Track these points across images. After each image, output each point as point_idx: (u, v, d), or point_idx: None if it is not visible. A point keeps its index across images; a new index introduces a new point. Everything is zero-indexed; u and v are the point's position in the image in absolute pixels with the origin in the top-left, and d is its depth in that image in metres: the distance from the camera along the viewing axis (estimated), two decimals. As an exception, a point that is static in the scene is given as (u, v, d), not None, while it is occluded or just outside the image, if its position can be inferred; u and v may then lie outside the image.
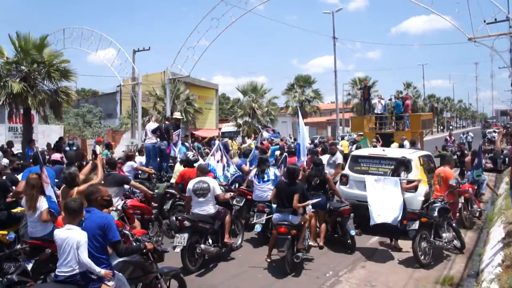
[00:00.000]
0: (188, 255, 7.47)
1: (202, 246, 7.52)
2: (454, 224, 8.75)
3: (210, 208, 7.89)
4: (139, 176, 11.99)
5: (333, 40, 36.29)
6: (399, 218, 8.29)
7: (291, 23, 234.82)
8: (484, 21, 14.72)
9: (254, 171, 9.62)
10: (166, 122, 12.21)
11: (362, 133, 23.05)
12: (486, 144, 25.87)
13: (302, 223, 7.62)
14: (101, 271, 4.37)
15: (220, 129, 39.73)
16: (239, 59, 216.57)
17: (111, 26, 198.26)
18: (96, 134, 33.89)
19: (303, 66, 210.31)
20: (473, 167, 12.07)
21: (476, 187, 12.54)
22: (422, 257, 7.81)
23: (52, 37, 22.89)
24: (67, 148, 14.92)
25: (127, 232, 5.49)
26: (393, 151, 10.89)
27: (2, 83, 16.72)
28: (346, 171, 10.55)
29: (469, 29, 15.58)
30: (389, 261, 8.23)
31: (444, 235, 8.33)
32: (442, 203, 8.75)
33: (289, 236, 7.30)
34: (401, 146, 17.68)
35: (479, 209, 11.75)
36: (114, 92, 42.19)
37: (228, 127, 38.39)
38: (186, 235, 7.35)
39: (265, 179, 9.18)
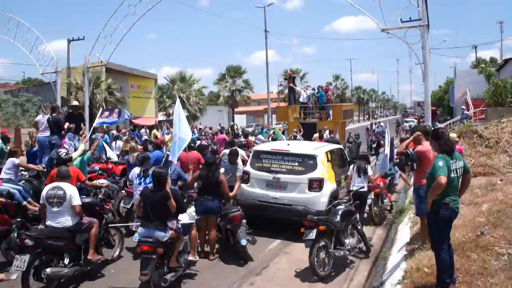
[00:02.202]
0: (35, 280, 5.43)
1: (48, 270, 5.42)
2: (359, 227, 7.19)
3: (66, 220, 5.80)
4: (28, 174, 9.67)
5: (265, 33, 34.35)
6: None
7: (236, 19, 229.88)
8: (401, 20, 13.98)
9: (136, 170, 7.51)
10: (53, 114, 9.69)
11: (287, 122, 21.50)
12: (401, 133, 25.05)
13: (174, 237, 5.67)
14: None
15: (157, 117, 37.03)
16: (186, 52, 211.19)
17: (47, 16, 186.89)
18: (31, 123, 30.53)
19: (246, 59, 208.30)
20: (386, 160, 10.77)
21: (388, 180, 11.33)
22: (320, 269, 6.19)
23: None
24: None
25: None
26: (297, 146, 9.07)
27: None
28: (248, 168, 8.62)
29: (386, 24, 14.44)
30: (284, 273, 6.53)
31: (347, 241, 6.76)
32: (347, 205, 7.14)
33: (154, 256, 5.34)
34: (322, 136, 16.21)
35: (390, 203, 10.59)
36: (54, 81, 38.34)
37: (163, 116, 35.83)
38: (27, 257, 5.25)
39: (148, 180, 7.11)
